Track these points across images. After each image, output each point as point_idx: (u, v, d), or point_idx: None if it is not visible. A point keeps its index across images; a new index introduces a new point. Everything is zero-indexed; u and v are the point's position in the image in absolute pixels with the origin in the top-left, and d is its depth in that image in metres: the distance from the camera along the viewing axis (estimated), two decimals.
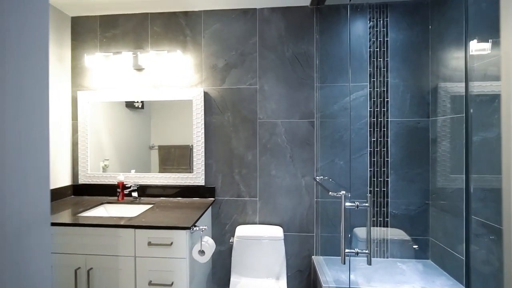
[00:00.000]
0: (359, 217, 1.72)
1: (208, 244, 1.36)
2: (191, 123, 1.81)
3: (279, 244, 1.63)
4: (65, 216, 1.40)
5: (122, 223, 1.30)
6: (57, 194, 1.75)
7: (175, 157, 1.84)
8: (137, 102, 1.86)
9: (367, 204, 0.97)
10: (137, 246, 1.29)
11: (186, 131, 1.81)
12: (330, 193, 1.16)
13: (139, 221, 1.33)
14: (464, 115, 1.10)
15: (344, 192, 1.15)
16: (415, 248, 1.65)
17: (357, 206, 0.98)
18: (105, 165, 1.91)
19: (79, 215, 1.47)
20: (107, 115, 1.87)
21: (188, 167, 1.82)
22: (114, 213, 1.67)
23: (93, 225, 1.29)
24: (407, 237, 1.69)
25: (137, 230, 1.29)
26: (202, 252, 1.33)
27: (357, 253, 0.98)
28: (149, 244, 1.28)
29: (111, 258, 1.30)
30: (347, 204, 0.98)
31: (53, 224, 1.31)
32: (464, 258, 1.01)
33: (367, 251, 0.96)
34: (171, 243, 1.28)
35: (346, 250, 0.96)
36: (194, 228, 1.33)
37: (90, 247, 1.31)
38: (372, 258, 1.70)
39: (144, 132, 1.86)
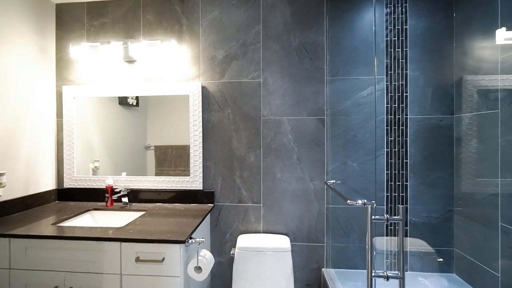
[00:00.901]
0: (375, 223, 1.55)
1: (206, 259, 1.19)
2: (188, 121, 1.63)
3: (285, 256, 1.45)
4: (43, 226, 1.23)
5: (106, 235, 1.12)
6: (39, 200, 1.57)
7: (172, 158, 1.66)
8: (131, 98, 1.68)
9: (399, 217, 0.79)
10: (123, 262, 1.12)
11: (184, 130, 1.64)
12: (349, 201, 0.98)
13: (126, 232, 1.16)
14: None
15: (363, 201, 0.98)
16: (440, 261, 1.47)
17: (387, 220, 0.80)
18: (95, 167, 1.74)
19: (60, 224, 1.29)
20: (98, 112, 1.70)
21: (185, 169, 1.64)
22: (101, 221, 1.50)
23: (69, 238, 1.11)
24: (429, 248, 1.51)
25: (123, 244, 1.12)
26: (199, 269, 1.16)
27: (387, 278, 0.81)
28: (137, 260, 1.11)
29: (94, 276, 1.12)
30: (374, 217, 0.81)
31: (26, 236, 1.13)
32: None
33: (399, 274, 0.78)
34: (163, 259, 1.10)
35: (373, 273, 0.78)
36: (190, 241, 1.15)
37: (70, 262, 1.13)
38: (391, 273, 1.53)
39: (139, 131, 1.68)
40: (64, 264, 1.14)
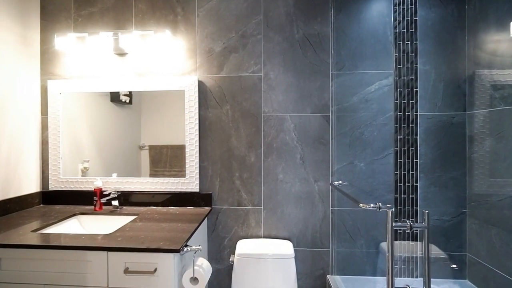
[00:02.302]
0: (384, 227, 1.46)
1: (203, 268, 1.08)
2: (184, 119, 1.52)
3: (288, 263, 1.35)
4: (22, 233, 1.11)
5: (91, 243, 1.01)
6: (21, 204, 1.45)
7: (167, 158, 1.55)
8: (124, 96, 1.56)
9: (423, 225, 0.70)
10: (111, 274, 1.00)
11: (180, 129, 1.53)
12: (361, 205, 0.88)
13: (114, 240, 1.04)
14: None
15: (377, 204, 0.88)
16: (454, 267, 1.38)
17: (411, 227, 0.71)
18: (85, 167, 1.61)
19: (41, 231, 1.17)
20: (88, 109, 1.58)
21: (181, 170, 1.53)
22: (88, 227, 1.38)
23: (48, 247, 1.00)
24: (441, 253, 1.43)
25: (111, 253, 1.00)
26: (195, 280, 1.05)
27: None
28: (126, 271, 0.99)
29: None
30: (395, 224, 0.71)
31: (0, 245, 1.01)
32: None
33: None
34: (155, 270, 0.99)
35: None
36: (185, 249, 1.04)
37: (50, 274, 1.02)
38: (400, 279, 1.44)
39: (133, 130, 1.56)
40: (43, 276, 1.02)
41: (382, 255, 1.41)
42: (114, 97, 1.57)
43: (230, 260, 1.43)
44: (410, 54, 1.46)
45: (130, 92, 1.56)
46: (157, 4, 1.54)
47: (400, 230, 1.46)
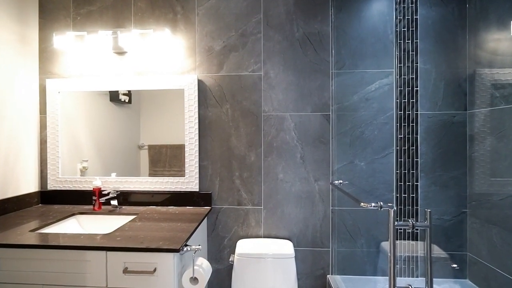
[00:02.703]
0: (384, 226, 1.45)
1: (203, 268, 1.07)
2: (183, 118, 1.51)
3: (289, 263, 1.34)
4: (20, 233, 1.10)
5: (90, 243, 1.00)
6: (19, 203, 1.43)
7: (166, 158, 1.54)
8: (123, 95, 1.56)
9: (426, 224, 0.69)
10: (110, 274, 0.99)
11: (180, 128, 1.52)
12: (362, 204, 0.87)
13: (113, 239, 1.04)
14: None
15: (379, 203, 0.87)
16: (454, 267, 1.37)
17: (413, 226, 0.70)
18: (84, 167, 1.60)
19: (40, 231, 1.16)
20: (87, 109, 1.57)
21: (180, 170, 1.52)
22: (87, 226, 1.37)
23: (47, 247, 0.99)
24: (441, 253, 1.42)
25: (110, 253, 0.99)
26: (195, 280, 1.04)
27: None
28: (126, 271, 0.98)
29: None
30: (398, 223, 0.70)
31: None
32: None
33: None
34: (154, 270, 0.98)
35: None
36: (185, 249, 1.03)
37: (49, 274, 1.01)
38: (401, 278, 1.43)
39: (132, 129, 1.55)
40: (42, 276, 1.01)
41: (382, 255, 1.41)
42: (113, 96, 1.56)
43: (230, 260, 1.43)
44: (410, 52, 1.45)
45: (129, 91, 1.55)
46: (157, 3, 1.53)
47: (401, 229, 1.46)
